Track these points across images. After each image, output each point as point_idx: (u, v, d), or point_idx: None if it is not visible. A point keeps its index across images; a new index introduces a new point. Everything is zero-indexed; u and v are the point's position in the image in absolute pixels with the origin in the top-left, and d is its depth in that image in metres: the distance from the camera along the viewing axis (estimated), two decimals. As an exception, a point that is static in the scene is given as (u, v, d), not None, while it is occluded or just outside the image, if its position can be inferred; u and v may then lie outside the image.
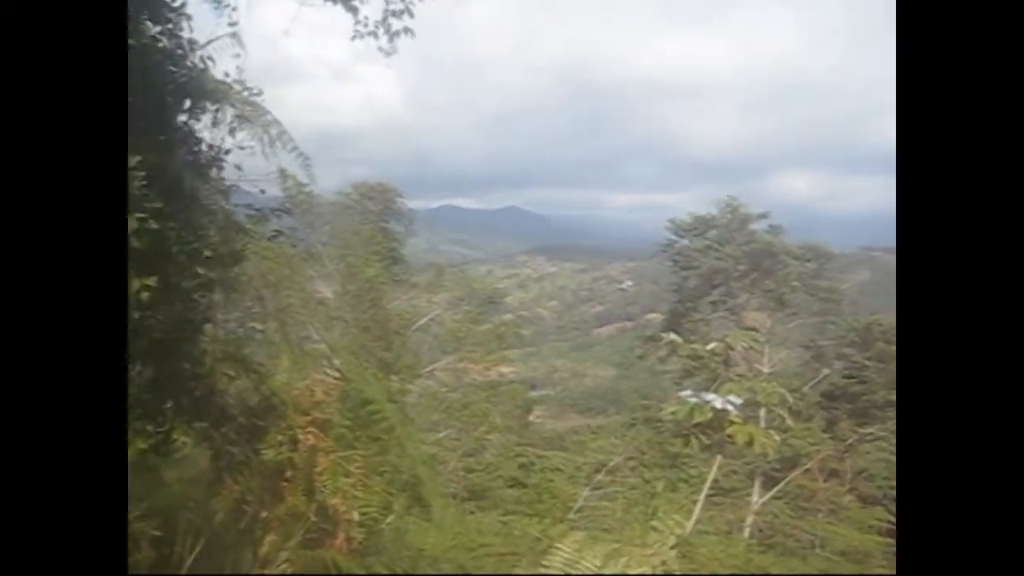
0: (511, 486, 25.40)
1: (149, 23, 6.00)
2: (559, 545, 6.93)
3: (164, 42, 6.07)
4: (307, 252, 17.53)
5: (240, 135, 6.77)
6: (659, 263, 40.34)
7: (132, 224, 5.12)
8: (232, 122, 6.70)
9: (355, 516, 6.98)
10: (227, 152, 6.68)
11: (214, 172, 6.59)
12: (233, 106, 6.69)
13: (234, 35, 6.75)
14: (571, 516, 20.37)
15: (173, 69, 6.13)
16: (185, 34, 6.21)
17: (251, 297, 8.10)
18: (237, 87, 6.86)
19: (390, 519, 7.21)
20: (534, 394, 34.71)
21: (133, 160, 5.30)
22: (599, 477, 23.94)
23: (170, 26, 6.10)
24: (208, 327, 6.73)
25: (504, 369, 27.51)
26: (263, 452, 7.02)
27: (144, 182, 5.39)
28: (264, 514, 7.40)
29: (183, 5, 6.12)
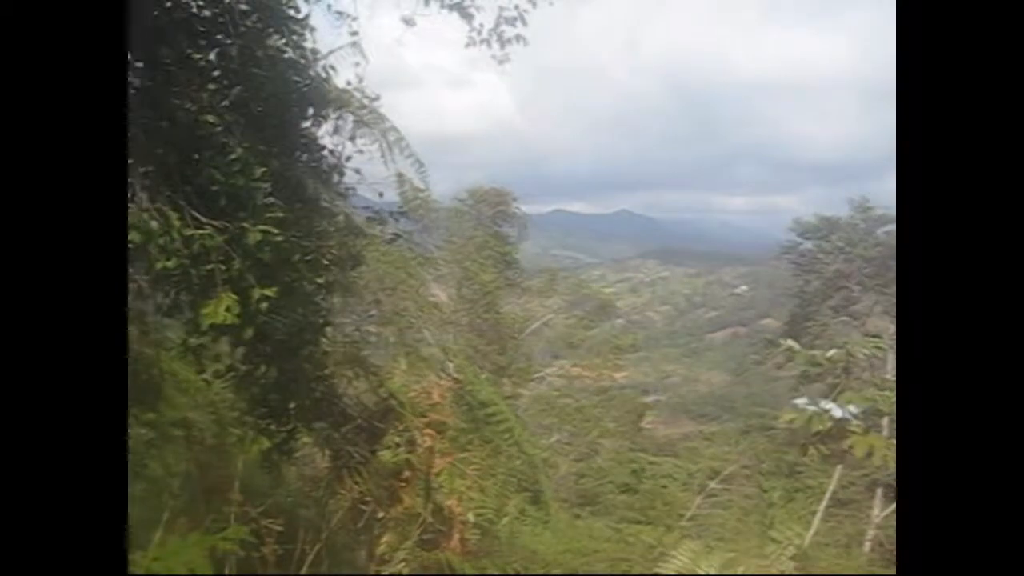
0: (622, 492, 25.24)
1: (274, 35, 6.18)
2: (674, 552, 6.85)
3: (289, 53, 6.25)
4: (422, 256, 17.76)
5: (360, 141, 6.92)
6: (775, 267, 39.35)
7: (256, 236, 5.27)
8: (352, 129, 6.86)
9: (470, 517, 7.04)
10: (348, 158, 6.84)
11: (335, 178, 6.76)
12: (353, 113, 6.85)
13: (354, 44, 6.91)
14: (683, 524, 20.12)
15: (296, 79, 6.31)
16: (308, 44, 6.38)
17: (369, 300, 8.26)
18: (357, 95, 7.03)
19: (504, 521, 7.26)
20: (646, 399, 34.42)
21: (258, 171, 5.48)
22: (712, 485, 23.56)
23: (294, 37, 6.28)
24: (328, 330, 6.88)
25: (616, 374, 27.35)
26: (380, 453, 7.15)
27: (269, 191, 5.56)
28: (381, 514, 7.53)
29: (307, 17, 6.29)
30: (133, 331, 6.80)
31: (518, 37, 7.31)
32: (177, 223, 5.08)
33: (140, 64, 5.80)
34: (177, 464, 7.55)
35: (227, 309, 5.09)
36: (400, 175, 14.57)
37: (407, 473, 7.13)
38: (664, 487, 25.48)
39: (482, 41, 7.31)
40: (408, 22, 6.97)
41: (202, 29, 5.92)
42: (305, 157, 6.47)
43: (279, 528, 7.32)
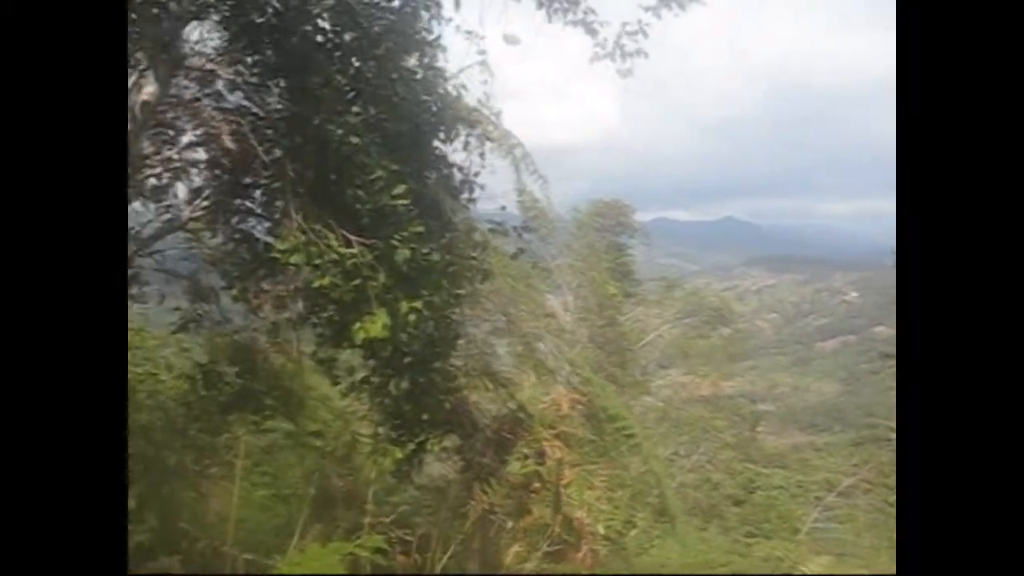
0: (735, 503, 24.87)
1: (408, 56, 6.36)
2: (804, 567, 6.76)
3: (421, 73, 6.41)
4: (540, 268, 17.86)
5: (488, 158, 7.05)
6: (885, 272, 38.09)
7: (405, 254, 5.44)
8: (481, 145, 6.99)
9: (599, 529, 7.09)
10: (476, 174, 6.97)
11: (465, 194, 6.90)
12: (483, 130, 6.99)
13: (483, 63, 7.04)
14: (799, 537, 19.73)
15: (428, 98, 6.47)
16: (439, 64, 6.53)
17: (496, 313, 8.39)
18: (485, 111, 7.16)
19: (633, 533, 7.27)
20: (755, 409, 33.85)
21: (399, 188, 5.65)
22: (831, 498, 23.00)
23: (426, 59, 6.45)
24: (459, 342, 7.02)
25: (727, 384, 27.00)
26: (510, 464, 7.25)
27: (409, 208, 5.72)
28: (511, 524, 7.63)
29: (438, 37, 6.45)
30: (265, 342, 7.07)
31: (639, 51, 7.32)
32: (333, 242, 5.28)
33: (286, 89, 6.07)
34: (314, 472, 7.80)
35: (382, 325, 5.27)
36: (522, 190, 14.73)
37: (536, 484, 7.20)
38: (775, 499, 24.97)
39: (606, 55, 7.34)
40: (510, 40, 7.06)
41: (341, 54, 6.15)
42: (435, 175, 6.62)
43: (410, 538, 7.50)
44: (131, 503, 7.04)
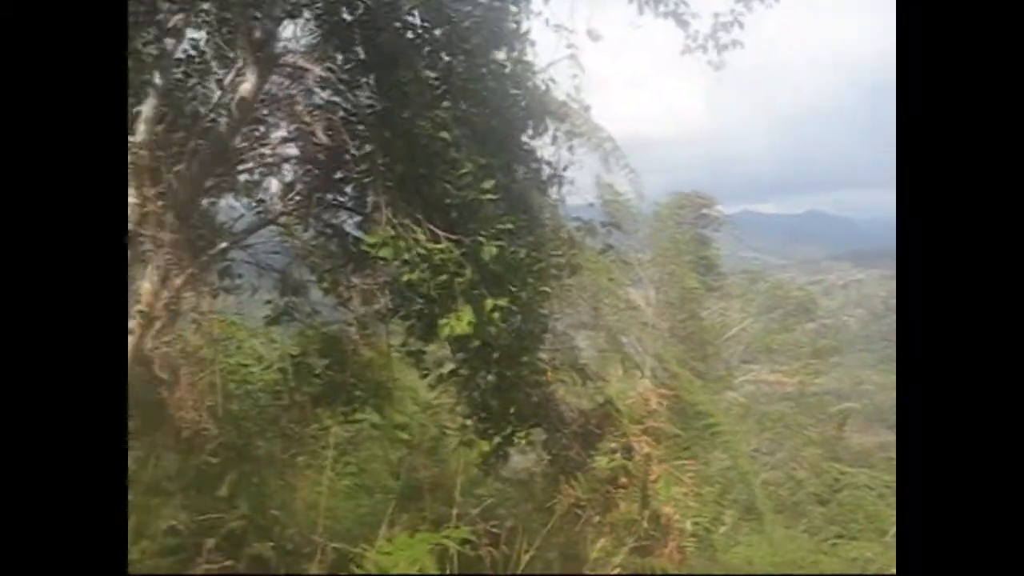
0: (820, 502, 24.41)
1: (496, 51, 6.37)
2: (894, 569, 6.58)
3: (509, 67, 6.42)
4: (623, 261, 17.75)
5: (577, 152, 7.03)
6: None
7: (491, 251, 5.45)
8: (570, 140, 6.97)
9: (687, 526, 7.03)
10: (565, 168, 6.95)
11: (554, 189, 6.89)
12: (571, 124, 6.97)
13: (572, 56, 7.01)
14: (887, 539, 19.28)
15: (516, 92, 6.47)
16: (528, 58, 6.53)
17: (583, 308, 8.37)
18: (575, 106, 7.14)
19: (722, 530, 7.19)
20: (842, 407, 33.12)
21: (487, 184, 5.66)
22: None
23: (515, 53, 6.44)
24: (547, 336, 7.02)
25: (813, 380, 26.48)
26: (597, 459, 7.23)
27: (497, 204, 5.73)
28: (597, 519, 7.61)
29: (527, 32, 6.44)
30: (354, 335, 7.17)
31: (734, 42, 7.22)
32: (422, 237, 5.33)
33: (376, 85, 6.13)
34: (400, 464, 7.89)
35: (468, 322, 5.30)
36: (607, 184, 14.66)
37: (623, 479, 7.17)
38: (862, 499, 24.41)
39: (698, 47, 7.26)
40: (594, 36, 7.01)
41: (430, 49, 6.19)
42: (523, 170, 6.62)
43: (496, 530, 7.54)
44: (223, 491, 7.24)
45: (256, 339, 8.75)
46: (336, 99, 6.40)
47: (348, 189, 6.66)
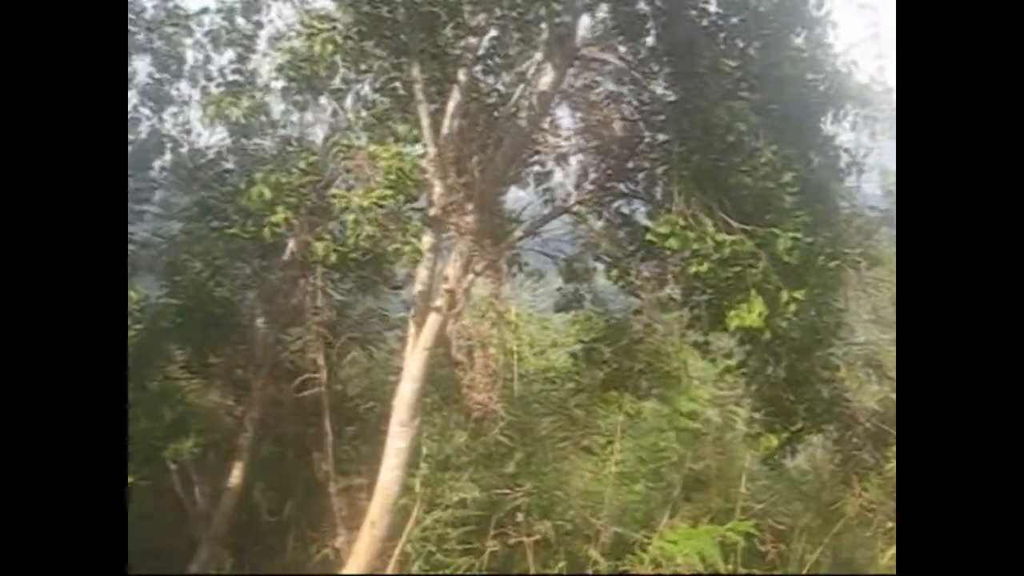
0: None
1: (794, 35, 6.16)
2: None
3: (807, 51, 6.19)
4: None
5: (879, 138, 6.68)
6: None
7: (786, 243, 5.32)
8: (871, 125, 6.64)
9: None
10: (864, 155, 6.63)
11: (852, 177, 6.60)
12: (874, 109, 6.62)
13: (875, 36, 6.68)
14: None
15: (814, 76, 6.22)
16: (828, 41, 6.26)
17: (881, 302, 7.97)
18: (878, 88, 6.78)
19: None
20: None
21: (787, 175, 5.51)
22: None
23: (814, 36, 6.20)
24: (841, 331, 6.75)
25: None
26: (891, 460, 6.88)
27: (794, 194, 5.57)
28: (890, 524, 7.26)
29: (828, 13, 6.18)
30: (642, 323, 7.21)
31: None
32: (711, 229, 5.29)
33: (672, 74, 6.13)
34: (685, 454, 7.89)
35: (759, 314, 5.21)
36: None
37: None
38: None
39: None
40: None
41: (726, 35, 6.09)
42: (820, 158, 6.37)
43: (781, 526, 7.37)
44: (510, 468, 7.56)
45: (544, 325, 9.04)
46: (631, 89, 6.47)
47: (639, 178, 6.72)
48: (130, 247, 7.16)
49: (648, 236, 5.91)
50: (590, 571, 7.13)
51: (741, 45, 6.07)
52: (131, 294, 7.15)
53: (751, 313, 5.31)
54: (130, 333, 7.08)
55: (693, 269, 5.54)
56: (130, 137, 7.64)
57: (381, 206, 5.37)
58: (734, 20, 6.04)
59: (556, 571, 7.06)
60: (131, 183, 7.63)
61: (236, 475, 7.03)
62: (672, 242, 5.49)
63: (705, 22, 6.05)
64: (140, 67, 7.64)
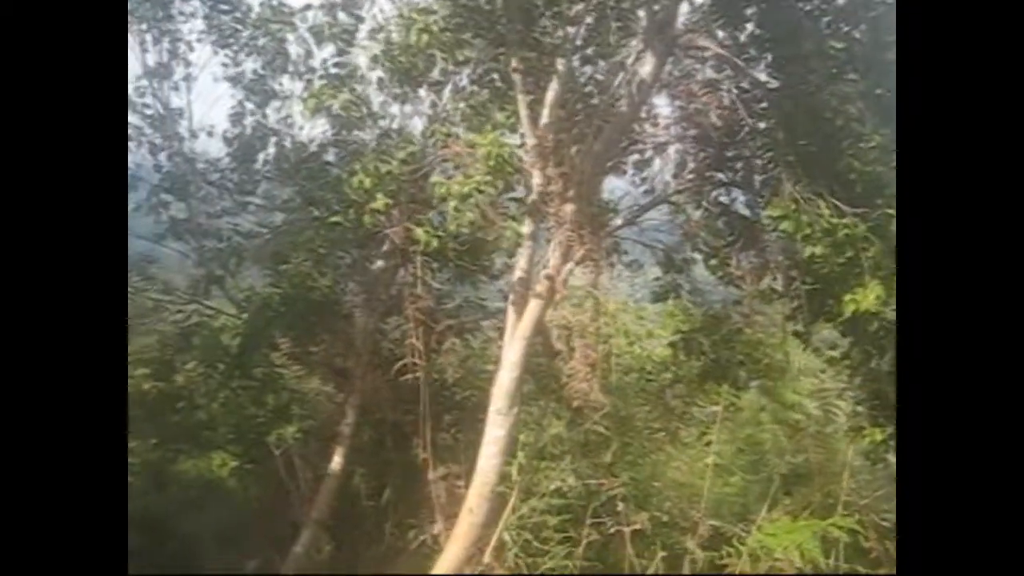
0: None
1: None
2: None
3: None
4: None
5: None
6: None
7: (898, 224, 5.21)
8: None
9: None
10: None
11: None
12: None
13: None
14: None
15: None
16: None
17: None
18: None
19: None
20: None
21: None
22: None
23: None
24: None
25: None
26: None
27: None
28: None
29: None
30: (742, 313, 7.10)
31: None
32: (826, 212, 5.20)
33: (774, 60, 6.04)
34: (786, 446, 7.76)
35: (876, 297, 5.10)
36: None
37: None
38: None
39: None
40: None
41: (831, 19, 5.98)
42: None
43: (885, 523, 7.18)
44: (607, 458, 7.54)
45: (640, 315, 8.98)
46: (731, 76, 6.40)
47: (739, 166, 6.63)
48: (236, 238, 7.39)
49: (754, 223, 5.83)
50: (687, 562, 7.08)
51: (846, 28, 5.95)
52: (237, 284, 7.38)
53: (868, 297, 5.20)
54: (237, 323, 7.32)
55: (806, 253, 5.45)
56: (235, 131, 7.85)
57: (480, 191, 5.43)
58: (839, 2, 5.93)
59: (655, 561, 7.01)
60: (235, 176, 7.90)
61: (337, 461, 7.18)
62: (786, 225, 5.44)
63: (808, 6, 5.95)
64: (248, 66, 7.82)
